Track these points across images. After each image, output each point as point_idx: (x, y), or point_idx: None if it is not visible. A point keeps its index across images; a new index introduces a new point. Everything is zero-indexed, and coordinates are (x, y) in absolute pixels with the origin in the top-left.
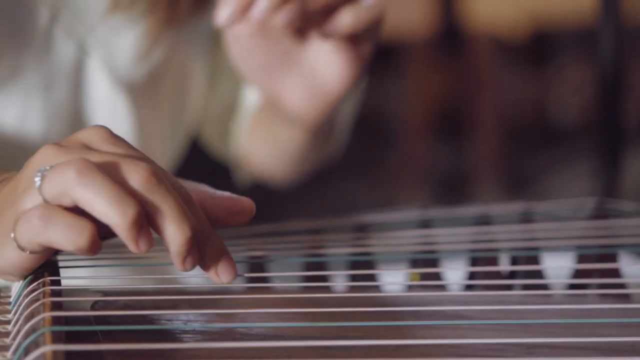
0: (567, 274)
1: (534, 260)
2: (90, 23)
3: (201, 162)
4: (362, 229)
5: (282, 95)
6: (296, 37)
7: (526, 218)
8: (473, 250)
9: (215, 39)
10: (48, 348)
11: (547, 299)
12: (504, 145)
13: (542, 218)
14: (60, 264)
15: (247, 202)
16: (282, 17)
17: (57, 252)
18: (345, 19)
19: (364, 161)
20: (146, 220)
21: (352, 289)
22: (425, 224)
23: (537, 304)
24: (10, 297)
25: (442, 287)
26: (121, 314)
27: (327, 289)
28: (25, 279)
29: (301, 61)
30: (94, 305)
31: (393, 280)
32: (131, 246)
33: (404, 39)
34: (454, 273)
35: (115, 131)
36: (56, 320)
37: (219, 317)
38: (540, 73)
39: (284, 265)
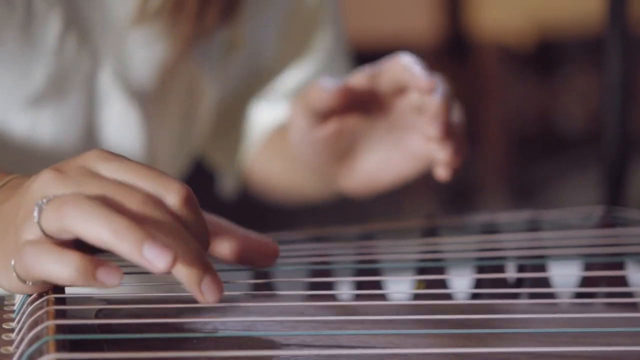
0: (574, 283)
1: (541, 268)
2: (108, 34)
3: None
4: (369, 237)
5: (337, 179)
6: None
7: (533, 226)
8: (480, 259)
9: (224, 55)
10: (52, 356)
11: (554, 308)
12: (511, 153)
13: (549, 226)
14: None
15: (273, 246)
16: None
17: None
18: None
19: None
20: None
21: (358, 297)
22: (432, 232)
23: (544, 313)
24: (14, 305)
25: (448, 296)
26: (125, 322)
27: (332, 297)
28: None
29: (363, 163)
30: (98, 314)
31: (399, 288)
32: (139, 262)
33: (410, 47)
34: (461, 281)
35: (126, 142)
36: (60, 329)
37: (224, 325)
38: (546, 82)
39: (289, 274)
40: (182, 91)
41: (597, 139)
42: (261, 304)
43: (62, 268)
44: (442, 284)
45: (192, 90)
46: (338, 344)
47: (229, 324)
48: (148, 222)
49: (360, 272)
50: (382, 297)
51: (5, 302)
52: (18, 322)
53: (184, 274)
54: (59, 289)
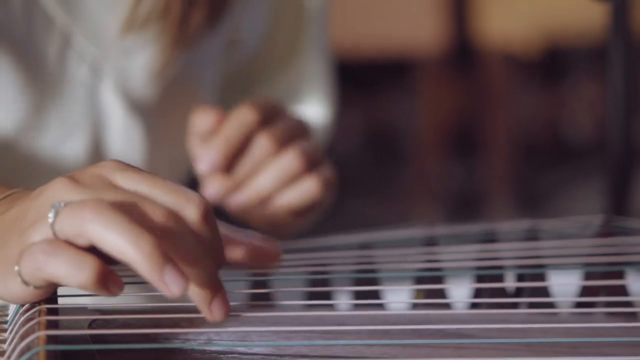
0: (573, 292)
1: (540, 278)
2: (104, 46)
3: None
4: (367, 247)
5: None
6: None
7: (532, 236)
8: (478, 268)
9: (224, 59)
10: None
11: (553, 318)
12: (517, 162)
13: (548, 236)
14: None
15: (274, 248)
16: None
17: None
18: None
19: (376, 178)
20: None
21: (356, 307)
22: (431, 241)
23: (543, 323)
24: (7, 315)
25: (446, 305)
26: (120, 333)
27: (330, 307)
28: None
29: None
30: (92, 324)
31: (397, 298)
32: (159, 286)
33: (416, 56)
34: (459, 291)
35: (128, 153)
36: (51, 339)
37: (219, 336)
38: (553, 90)
39: (286, 283)
40: (182, 100)
41: (603, 148)
42: (256, 314)
43: (77, 270)
44: (441, 293)
45: (192, 98)
46: (333, 355)
47: (223, 334)
48: (168, 238)
49: (359, 282)
50: (381, 306)
51: None
52: (10, 332)
53: (197, 294)
54: (51, 299)
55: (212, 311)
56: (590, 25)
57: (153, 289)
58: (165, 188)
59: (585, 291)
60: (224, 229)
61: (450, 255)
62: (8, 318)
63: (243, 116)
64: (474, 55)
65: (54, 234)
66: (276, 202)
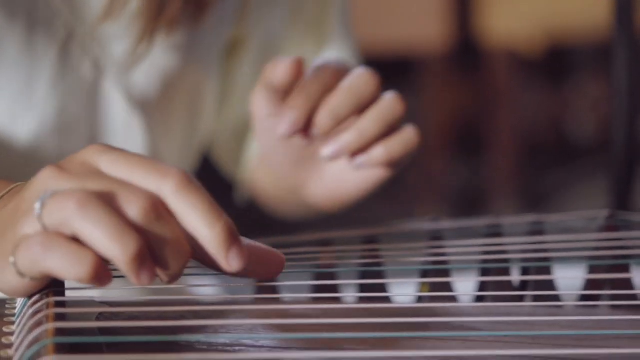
0: (578, 286)
1: (545, 271)
2: (105, 42)
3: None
4: (373, 240)
5: (303, 188)
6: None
7: (537, 230)
8: (484, 262)
9: (227, 56)
10: (51, 359)
11: (558, 311)
12: (521, 161)
13: (554, 230)
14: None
15: (278, 256)
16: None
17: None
18: (379, 153)
19: None
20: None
21: (362, 300)
22: (436, 235)
23: (548, 316)
24: (15, 308)
25: (452, 299)
26: (127, 325)
27: (336, 300)
28: None
29: (327, 167)
30: (99, 317)
31: (403, 291)
32: (132, 279)
33: (419, 55)
34: (465, 284)
35: (129, 148)
36: (60, 332)
37: (226, 328)
38: (557, 89)
39: (293, 276)
40: (184, 97)
41: (608, 146)
42: (262, 307)
43: (75, 264)
44: (447, 287)
45: (194, 95)
46: (340, 347)
47: (230, 326)
48: (149, 229)
49: (364, 275)
50: (386, 299)
51: (7, 306)
52: (18, 325)
53: (212, 246)
54: (59, 292)
55: (229, 261)
56: (594, 24)
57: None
58: (143, 166)
59: (590, 284)
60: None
61: (455, 249)
62: (16, 311)
63: (322, 73)
64: (477, 54)
65: (43, 225)
66: (376, 151)
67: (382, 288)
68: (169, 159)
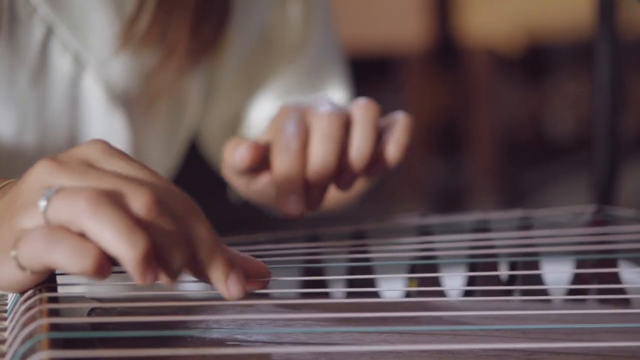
0: (566, 280)
1: (533, 266)
2: (87, 39)
3: (198, 174)
4: (361, 236)
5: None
6: None
7: (525, 225)
8: (472, 256)
9: (212, 55)
10: (45, 354)
11: (547, 305)
12: (501, 159)
13: (541, 225)
14: (58, 270)
15: (263, 269)
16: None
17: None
18: (392, 152)
19: None
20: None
21: (351, 295)
22: (425, 230)
23: (537, 310)
24: (6, 304)
25: (440, 294)
26: (119, 321)
27: (325, 295)
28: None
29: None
30: (91, 312)
31: (392, 286)
32: (138, 280)
33: (399, 53)
34: (453, 279)
35: (108, 142)
36: (53, 327)
37: (218, 324)
38: (536, 87)
39: (282, 272)
40: (167, 94)
41: (587, 144)
42: (254, 302)
43: (79, 258)
44: (435, 282)
45: (178, 94)
46: (331, 342)
47: (222, 322)
48: (154, 226)
49: (353, 271)
50: (375, 295)
51: None
52: (11, 321)
53: (211, 271)
54: (51, 288)
55: (228, 288)
56: (573, 23)
57: None
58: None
59: (578, 279)
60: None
61: (443, 244)
62: (7, 307)
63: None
64: (457, 53)
65: (47, 220)
66: (388, 152)
67: (370, 283)
68: (152, 155)
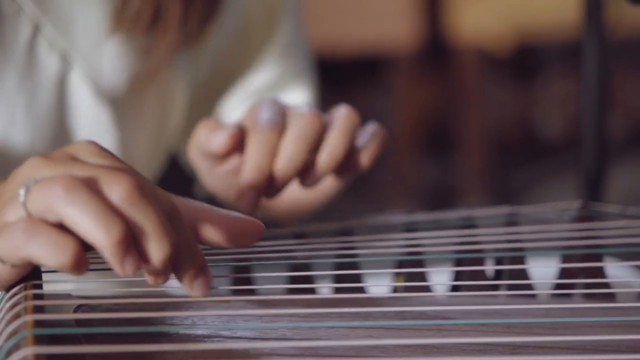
0: (552, 275)
1: (520, 261)
2: (74, 37)
3: (181, 174)
4: (348, 233)
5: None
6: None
7: (511, 221)
8: (458, 252)
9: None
10: (29, 350)
11: (533, 300)
12: (490, 158)
13: (527, 221)
14: (43, 268)
15: (256, 223)
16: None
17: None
18: (364, 160)
19: None
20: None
21: (337, 291)
22: (411, 227)
23: (523, 305)
24: None
25: (427, 289)
26: (104, 317)
27: (311, 291)
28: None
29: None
30: (77, 309)
31: (378, 282)
32: (116, 268)
33: (389, 53)
34: (439, 275)
35: (98, 142)
36: (38, 324)
37: (203, 320)
38: (525, 87)
39: (268, 268)
40: (155, 93)
41: (576, 144)
42: (240, 298)
43: (56, 251)
44: (421, 277)
45: (165, 91)
46: (317, 337)
47: (208, 318)
48: (132, 214)
49: (340, 266)
50: (361, 290)
51: None
52: None
53: (178, 268)
54: (37, 284)
55: (193, 287)
56: (562, 23)
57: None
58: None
59: (564, 274)
60: (201, 204)
61: (430, 240)
62: None
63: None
64: (447, 53)
65: (27, 212)
66: (361, 159)
67: (357, 279)
68: (138, 155)
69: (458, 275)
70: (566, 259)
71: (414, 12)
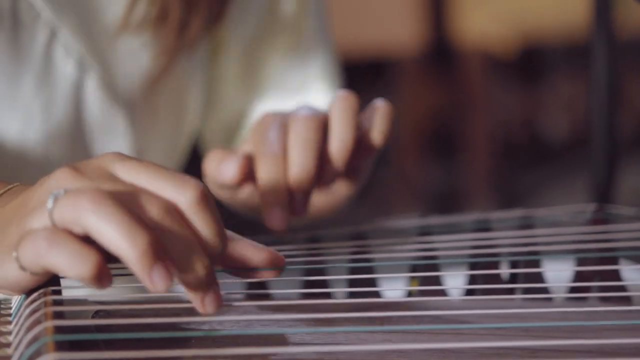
0: (568, 278)
1: (535, 264)
2: (90, 42)
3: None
4: (362, 237)
5: None
6: None
7: (526, 224)
8: (473, 256)
9: (211, 58)
10: (51, 357)
11: (549, 303)
12: (495, 161)
13: (542, 224)
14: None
15: (280, 256)
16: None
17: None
18: (376, 138)
19: None
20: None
21: (352, 295)
22: (425, 230)
23: (539, 308)
24: (10, 308)
25: (442, 293)
26: (123, 323)
27: (327, 296)
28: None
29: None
30: (96, 315)
31: (393, 286)
32: (145, 282)
33: (394, 56)
34: (454, 279)
35: (113, 147)
36: (58, 330)
37: (221, 325)
38: (531, 89)
39: (283, 273)
40: (169, 98)
41: (582, 146)
42: (258, 303)
43: (78, 263)
44: (437, 281)
45: (179, 95)
46: (336, 342)
47: (226, 323)
48: (164, 231)
49: (355, 271)
50: (376, 294)
51: (2, 306)
52: (16, 325)
53: (190, 287)
54: (56, 290)
55: (204, 304)
56: (566, 25)
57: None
58: (161, 174)
59: (580, 277)
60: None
61: (444, 244)
62: (12, 311)
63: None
64: (452, 55)
65: (53, 221)
66: (373, 137)
67: (372, 283)
68: (154, 159)
69: (473, 279)
70: (581, 261)
71: (419, 15)
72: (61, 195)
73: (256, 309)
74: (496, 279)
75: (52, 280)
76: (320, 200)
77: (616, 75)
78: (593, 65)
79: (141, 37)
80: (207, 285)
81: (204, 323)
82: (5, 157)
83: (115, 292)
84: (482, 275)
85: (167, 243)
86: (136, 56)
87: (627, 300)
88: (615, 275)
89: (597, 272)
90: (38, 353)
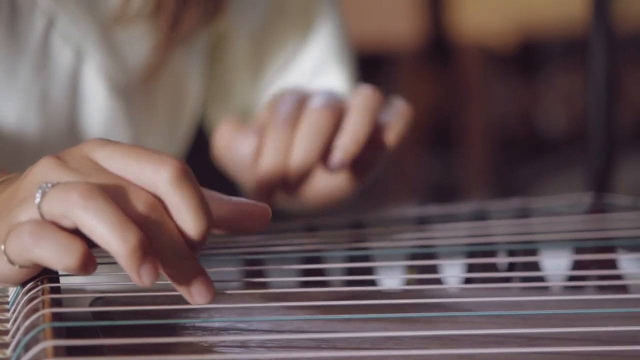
0: (565, 267)
1: (532, 254)
2: (88, 31)
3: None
4: (360, 226)
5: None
6: None
7: (523, 213)
8: (471, 245)
9: (214, 50)
10: (48, 343)
11: (546, 292)
12: (494, 155)
13: (539, 213)
14: None
15: (263, 207)
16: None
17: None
18: (390, 139)
19: None
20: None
21: (350, 283)
22: (423, 220)
23: (537, 297)
24: (8, 296)
25: (440, 282)
26: (121, 310)
27: (324, 284)
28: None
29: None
30: (93, 302)
31: (391, 275)
32: (133, 276)
33: (392, 50)
34: (452, 268)
35: (111, 137)
36: (56, 317)
37: (220, 312)
38: (529, 83)
39: (280, 261)
40: (168, 88)
41: (580, 140)
42: (255, 291)
43: (64, 255)
44: (434, 270)
45: (178, 86)
46: (333, 329)
47: (224, 311)
48: (150, 225)
49: (353, 259)
50: (374, 283)
51: None
52: (13, 312)
53: (177, 280)
54: (53, 278)
55: (192, 295)
56: (564, 19)
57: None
58: (141, 157)
59: (577, 266)
60: (209, 192)
61: (442, 233)
62: (9, 299)
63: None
64: (450, 49)
65: (41, 214)
66: (387, 138)
67: (369, 272)
68: (153, 144)
69: (471, 268)
70: (579, 251)
71: (417, 9)
72: (48, 188)
73: (254, 296)
74: (494, 268)
75: (49, 269)
76: (322, 189)
77: (614, 69)
78: (591, 59)
79: (138, 28)
80: (192, 277)
81: (202, 310)
82: (3, 144)
83: (112, 279)
84: (480, 264)
85: (152, 238)
86: (134, 46)
87: (624, 289)
88: (613, 264)
89: (594, 261)
90: (35, 340)
